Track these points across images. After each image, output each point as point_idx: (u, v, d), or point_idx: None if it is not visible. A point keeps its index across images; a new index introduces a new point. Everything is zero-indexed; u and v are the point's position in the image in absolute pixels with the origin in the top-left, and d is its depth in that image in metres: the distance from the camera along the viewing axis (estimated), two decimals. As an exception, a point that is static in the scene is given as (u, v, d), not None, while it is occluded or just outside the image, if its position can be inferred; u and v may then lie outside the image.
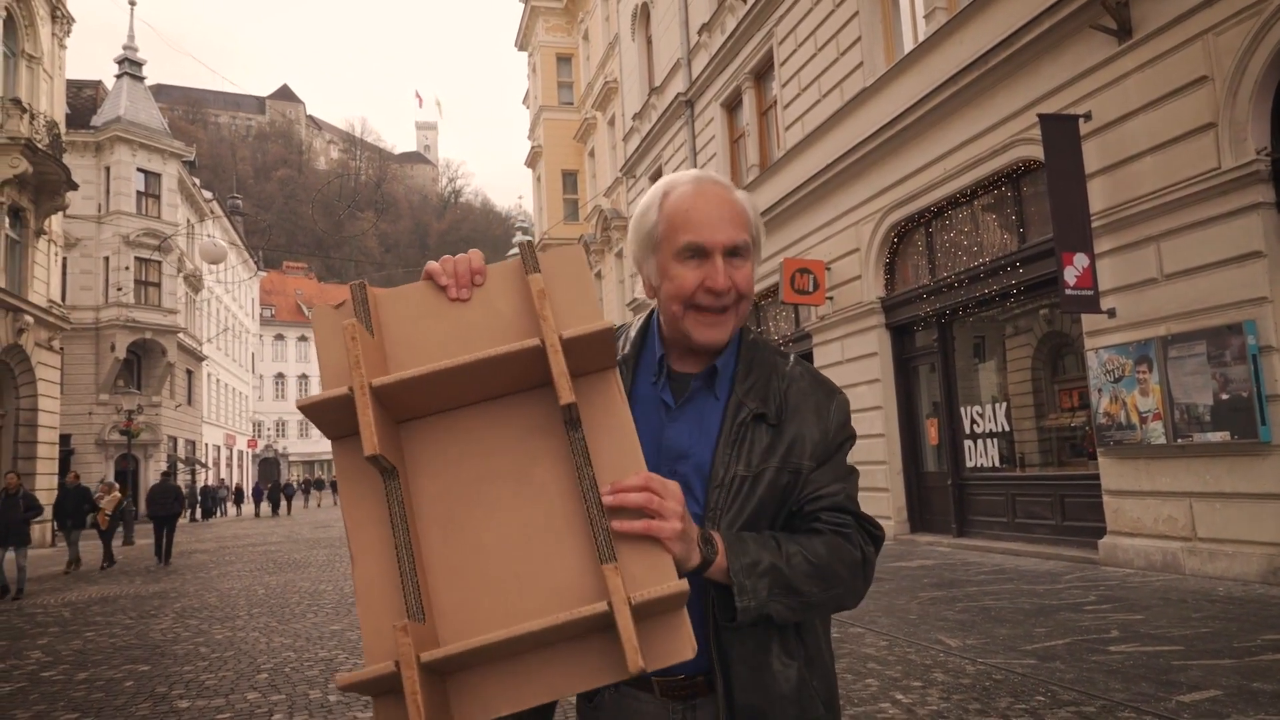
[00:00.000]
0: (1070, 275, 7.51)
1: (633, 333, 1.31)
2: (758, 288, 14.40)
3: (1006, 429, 9.72)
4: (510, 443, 1.03)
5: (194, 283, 36.04)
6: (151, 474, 30.00)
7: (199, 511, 32.21)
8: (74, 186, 21.44)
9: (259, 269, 57.78)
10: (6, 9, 18.91)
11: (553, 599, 0.96)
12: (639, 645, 0.89)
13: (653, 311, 1.32)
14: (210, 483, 37.70)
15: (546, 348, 0.95)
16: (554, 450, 1.02)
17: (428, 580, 0.99)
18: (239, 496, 38.88)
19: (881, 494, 11.12)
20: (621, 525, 0.95)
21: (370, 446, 0.93)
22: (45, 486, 19.89)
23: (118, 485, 15.97)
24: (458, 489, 1.03)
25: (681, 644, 0.95)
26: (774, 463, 1.18)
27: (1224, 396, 6.65)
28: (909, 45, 10.94)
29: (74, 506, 14.30)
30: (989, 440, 9.93)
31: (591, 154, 26.48)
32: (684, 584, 0.93)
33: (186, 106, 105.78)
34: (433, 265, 1.07)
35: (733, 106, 16.27)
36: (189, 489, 31.23)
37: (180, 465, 31.28)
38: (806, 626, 1.21)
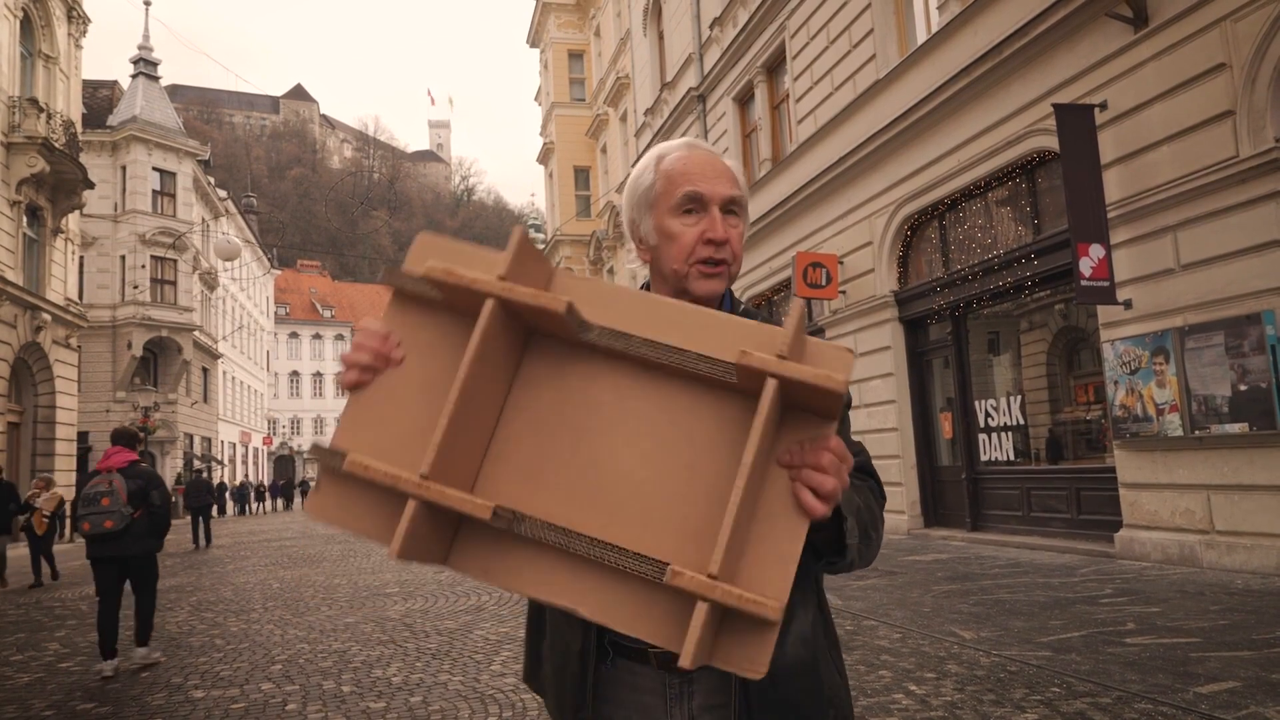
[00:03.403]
0: (1086, 266, 7.45)
1: None
2: (771, 282, 14.41)
3: (1021, 422, 9.65)
4: (681, 405, 0.91)
5: (209, 281, 36.29)
6: (168, 471, 30.26)
7: (219, 509, 32.56)
8: (90, 185, 21.64)
9: (273, 267, 58.13)
10: (24, 9, 19.07)
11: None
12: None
13: (643, 288, 1.31)
14: (226, 479, 38.07)
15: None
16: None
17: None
18: (259, 494, 39.53)
19: (895, 488, 11.06)
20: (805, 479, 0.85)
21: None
22: (63, 484, 20.09)
23: (57, 481, 13.32)
24: (578, 411, 0.93)
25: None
26: None
27: (1242, 387, 6.57)
28: (922, 37, 10.87)
29: None
30: (1004, 434, 9.87)
31: (604, 150, 26.47)
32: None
33: (201, 106, 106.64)
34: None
35: (745, 101, 16.22)
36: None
37: (196, 462, 31.52)
38: (821, 593, 1.21)
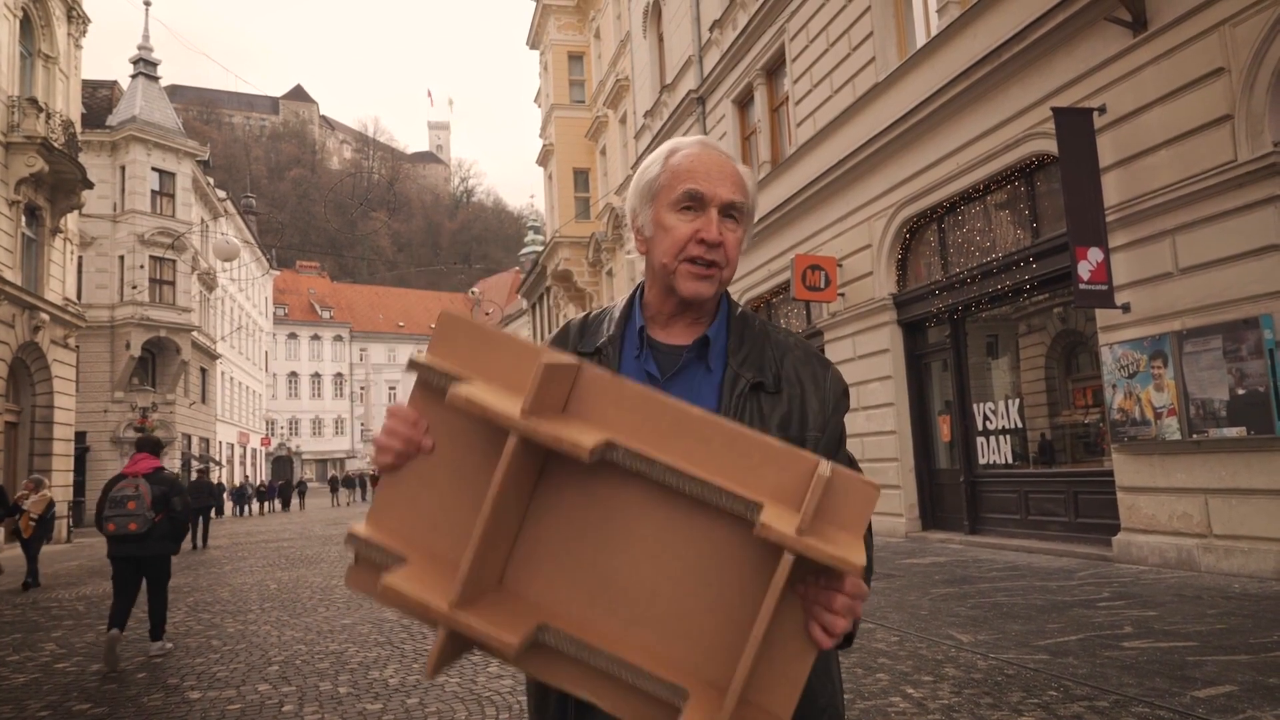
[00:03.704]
0: (1084, 270, 7.45)
1: (616, 313, 1.30)
2: (770, 284, 14.41)
3: (1019, 426, 9.65)
4: (702, 536, 0.93)
5: (208, 281, 36.26)
6: (166, 471, 30.16)
7: (217, 510, 32.50)
8: (90, 185, 21.60)
9: (272, 268, 58.09)
10: (23, 9, 19.06)
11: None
12: None
13: (637, 288, 1.31)
14: (224, 480, 38.00)
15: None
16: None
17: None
18: (260, 495, 39.49)
19: (893, 491, 11.06)
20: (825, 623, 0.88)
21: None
22: (61, 484, 20.07)
23: (47, 482, 12.64)
24: (601, 520, 0.94)
25: None
26: (774, 433, 1.16)
27: (1240, 391, 6.58)
28: (921, 40, 10.88)
29: None
30: (1002, 437, 9.87)
31: (603, 152, 26.47)
32: None
33: (201, 107, 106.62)
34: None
35: (744, 103, 16.23)
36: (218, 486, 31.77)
37: (195, 463, 31.46)
38: None
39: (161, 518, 6.23)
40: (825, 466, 0.87)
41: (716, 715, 0.83)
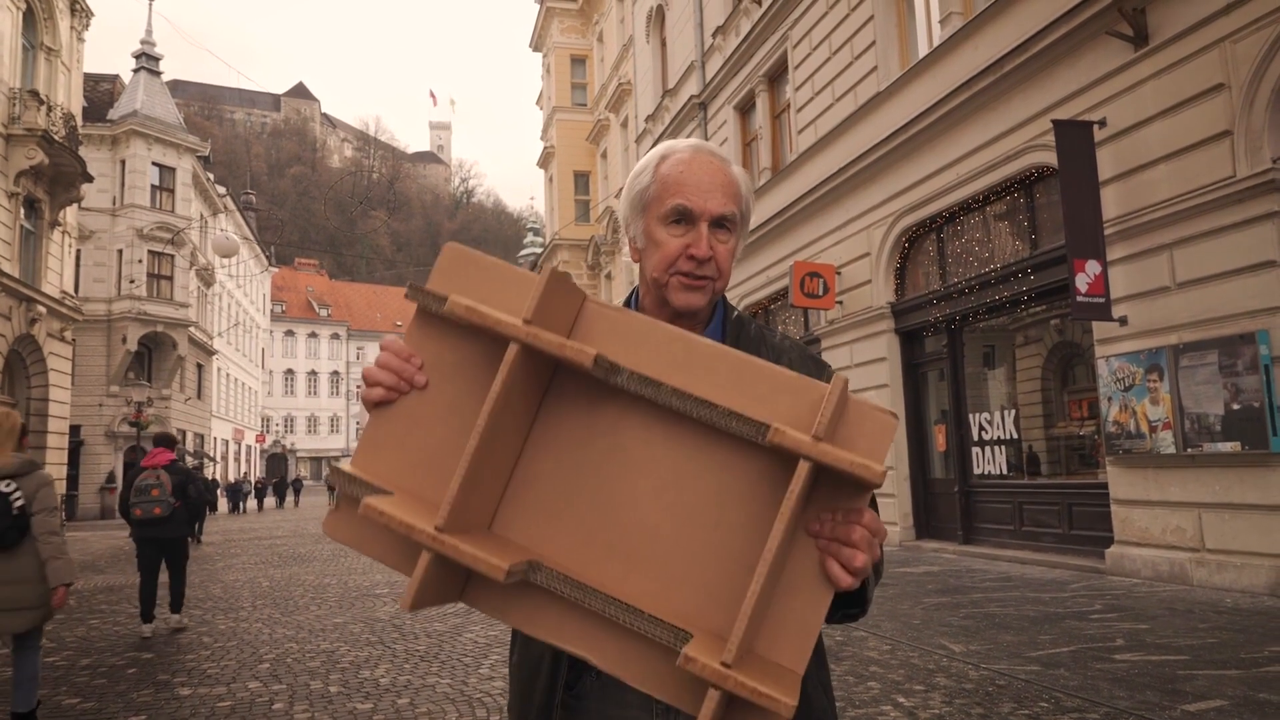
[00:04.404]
0: (1082, 282, 7.47)
1: None
2: (768, 290, 14.43)
3: (1015, 436, 9.66)
4: (703, 455, 0.88)
5: (206, 277, 36.22)
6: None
7: (212, 507, 32.36)
8: (89, 179, 21.59)
9: (270, 265, 58.01)
10: (27, 1, 19.06)
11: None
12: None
13: (632, 293, 1.31)
14: (218, 476, 37.89)
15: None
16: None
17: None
18: (259, 491, 39.41)
19: (888, 499, 11.07)
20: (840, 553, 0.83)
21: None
22: (54, 477, 20.00)
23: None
24: (603, 454, 0.89)
25: None
26: None
27: (1235, 406, 6.59)
28: (923, 50, 10.91)
29: None
30: (997, 448, 9.88)
31: (604, 155, 26.50)
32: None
33: (203, 102, 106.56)
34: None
35: (746, 109, 16.26)
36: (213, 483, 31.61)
37: (188, 458, 31.39)
38: None
39: (180, 504, 6.96)
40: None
41: (720, 654, 0.76)
